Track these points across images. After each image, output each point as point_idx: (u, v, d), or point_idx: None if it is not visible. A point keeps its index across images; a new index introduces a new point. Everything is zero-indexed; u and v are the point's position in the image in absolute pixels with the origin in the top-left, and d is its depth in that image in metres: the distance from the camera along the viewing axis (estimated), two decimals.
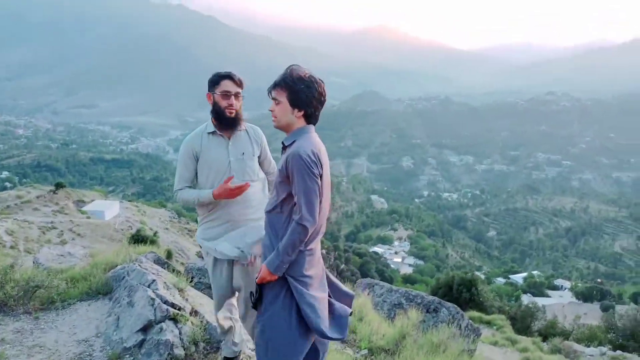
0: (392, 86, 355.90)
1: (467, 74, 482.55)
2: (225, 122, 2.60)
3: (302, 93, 2.16)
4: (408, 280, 43.99)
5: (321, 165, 2.12)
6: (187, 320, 2.81)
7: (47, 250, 8.30)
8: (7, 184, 71.91)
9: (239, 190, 2.48)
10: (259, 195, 2.69)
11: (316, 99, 2.22)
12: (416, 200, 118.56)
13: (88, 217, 33.04)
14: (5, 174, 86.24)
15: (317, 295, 2.18)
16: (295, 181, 2.07)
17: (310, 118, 2.24)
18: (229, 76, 2.60)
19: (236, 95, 2.60)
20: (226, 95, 2.58)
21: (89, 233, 28.94)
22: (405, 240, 75.54)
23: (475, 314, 12.65)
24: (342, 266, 46.48)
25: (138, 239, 18.17)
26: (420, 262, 63.68)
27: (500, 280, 50.12)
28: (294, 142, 2.16)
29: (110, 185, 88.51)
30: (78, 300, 3.28)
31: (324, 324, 2.13)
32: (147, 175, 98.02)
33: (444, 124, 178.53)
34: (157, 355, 2.53)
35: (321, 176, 2.13)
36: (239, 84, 2.63)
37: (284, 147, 2.23)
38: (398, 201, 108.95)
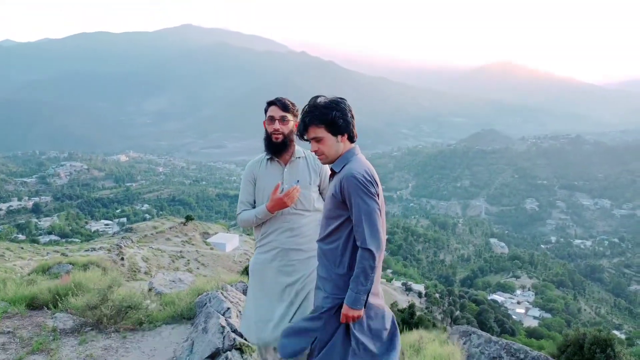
0: (513, 125, 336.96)
1: (601, 110, 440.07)
2: (272, 147, 2.60)
3: (338, 119, 2.12)
4: (532, 334, 39.75)
5: (377, 184, 2.07)
6: (254, 351, 2.76)
7: (162, 276, 8.93)
8: (147, 216, 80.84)
9: (290, 196, 2.42)
10: (313, 226, 2.56)
11: (350, 117, 2.17)
12: (542, 246, 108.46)
13: (211, 248, 35.54)
14: (146, 206, 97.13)
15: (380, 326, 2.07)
16: (353, 204, 1.99)
17: (353, 138, 2.20)
18: (273, 102, 2.63)
19: (281, 119, 2.58)
20: (271, 120, 2.59)
21: (211, 263, 31.03)
22: (529, 290, 68.97)
23: None
24: (457, 313, 43.85)
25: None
26: (547, 315, 57.45)
27: None
28: (344, 166, 2.11)
29: (233, 220, 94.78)
30: (164, 323, 3.43)
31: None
32: None
33: (575, 164, 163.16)
34: None
35: (378, 195, 2.07)
36: (285, 108, 2.60)
37: (333, 174, 2.18)
38: (520, 246, 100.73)
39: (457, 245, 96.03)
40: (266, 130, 2.61)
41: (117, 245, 27.38)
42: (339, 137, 2.13)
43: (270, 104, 2.63)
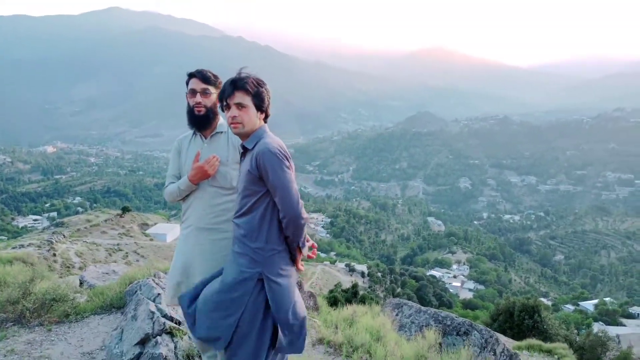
0: (447, 107, 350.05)
1: (526, 92, 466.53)
2: (194, 121, 2.50)
3: (265, 95, 2.20)
4: (468, 305, 42.15)
5: (289, 157, 2.12)
6: (185, 334, 2.76)
7: (94, 269, 8.61)
8: (79, 209, 76.82)
9: (211, 164, 2.39)
10: (231, 206, 2.43)
11: (268, 98, 2.23)
12: (475, 222, 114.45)
13: (151, 239, 34.47)
14: (77, 199, 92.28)
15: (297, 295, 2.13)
16: (273, 177, 2.02)
17: (267, 116, 2.26)
18: (194, 74, 2.52)
19: (203, 92, 2.48)
20: (192, 93, 2.49)
21: (152, 255, 30.09)
22: (464, 264, 72.79)
23: (534, 341, 11.81)
24: (399, 290, 45.52)
25: None
26: (481, 287, 60.99)
27: (569, 307, 46.85)
28: (256, 143, 2.13)
29: (173, 210, 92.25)
30: (92, 313, 3.34)
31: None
32: None
33: (504, 143, 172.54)
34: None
35: (291, 169, 2.12)
36: (206, 80, 2.50)
37: (245, 152, 2.19)
38: (456, 223, 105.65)
39: (397, 225, 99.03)
40: (188, 103, 2.51)
41: (48, 240, 25.92)
42: (259, 113, 2.19)
43: (190, 76, 2.53)
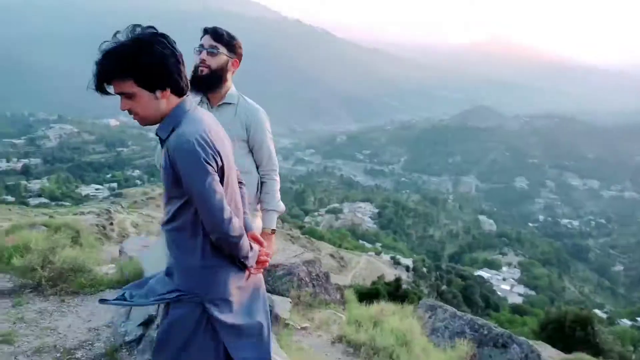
0: (506, 103, 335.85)
1: (598, 93, 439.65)
2: (195, 81, 2.18)
3: (149, 67, 1.45)
4: (516, 310, 40.52)
5: (216, 152, 1.53)
6: None
7: (134, 240, 8.79)
8: (138, 182, 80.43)
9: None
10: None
11: (172, 62, 1.50)
12: (530, 224, 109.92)
13: None
14: (137, 172, 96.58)
15: (243, 322, 1.64)
16: (184, 183, 1.49)
17: (180, 89, 1.56)
18: (207, 30, 2.24)
19: (210, 50, 2.19)
20: (199, 50, 2.22)
21: None
22: (515, 267, 70.27)
23: (585, 356, 11.07)
24: (443, 287, 44.56)
25: None
26: (532, 293, 58.70)
27: (626, 322, 44.13)
28: (172, 130, 1.52)
29: None
30: (109, 287, 3.27)
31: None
32: None
33: (566, 144, 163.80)
34: (150, 353, 2.35)
35: (221, 167, 1.56)
36: (217, 38, 2.20)
37: (162, 141, 1.57)
38: (509, 224, 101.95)
39: (447, 221, 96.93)
40: (194, 62, 2.23)
41: (107, 210, 27.19)
42: (158, 92, 1.50)
43: (204, 32, 2.25)
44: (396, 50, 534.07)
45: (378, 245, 66.91)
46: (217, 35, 2.22)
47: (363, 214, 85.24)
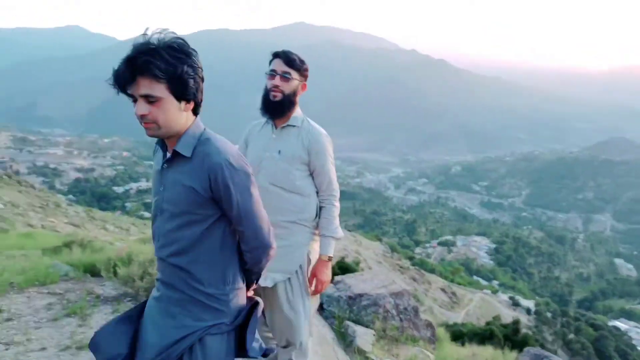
0: None
1: None
2: (267, 106, 2.22)
3: (189, 77, 1.39)
4: None
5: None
6: None
7: None
8: None
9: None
10: (290, 207, 2.17)
11: (203, 78, 1.48)
12: None
13: None
14: None
15: None
16: (239, 202, 1.44)
17: (198, 107, 1.51)
18: (278, 54, 2.23)
19: (283, 75, 2.18)
20: (272, 75, 2.21)
21: None
22: None
23: None
24: (571, 336, 40.13)
25: (341, 266, 18.97)
26: None
27: None
28: (195, 148, 1.45)
29: None
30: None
31: None
32: (368, 209, 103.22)
33: None
34: None
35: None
36: (290, 63, 2.19)
37: (174, 156, 1.46)
38: None
39: (576, 262, 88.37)
40: (266, 86, 2.23)
41: None
42: (184, 104, 1.42)
43: (274, 56, 2.23)
44: (519, 79, 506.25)
45: (494, 283, 62.70)
46: (289, 60, 2.21)
47: (478, 248, 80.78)
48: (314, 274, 2.25)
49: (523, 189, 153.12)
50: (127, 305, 3.28)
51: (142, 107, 1.35)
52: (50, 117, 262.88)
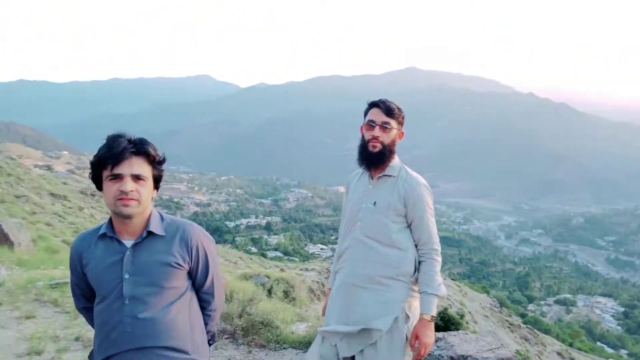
0: None
1: None
2: (366, 157, 2.17)
3: (162, 170, 1.62)
4: None
5: None
6: None
7: None
8: None
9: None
10: (387, 262, 2.08)
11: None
12: None
13: None
14: None
15: None
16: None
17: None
18: (376, 104, 2.18)
19: (382, 125, 2.13)
20: (370, 126, 2.15)
21: None
22: None
23: None
24: None
25: (443, 317, 17.88)
26: None
27: None
28: (177, 230, 1.62)
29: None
30: (291, 346, 3.35)
31: None
32: (475, 258, 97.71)
33: None
34: None
35: None
36: (389, 113, 2.14)
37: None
38: None
39: None
40: (363, 136, 2.20)
41: (327, 269, 29.38)
42: (154, 191, 1.60)
43: (371, 105, 2.21)
44: None
45: (623, 352, 54.80)
46: (389, 110, 2.15)
47: (603, 310, 71.77)
48: (415, 336, 2.06)
49: None
50: (224, 343, 3.34)
51: (129, 184, 1.46)
52: (178, 155, 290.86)
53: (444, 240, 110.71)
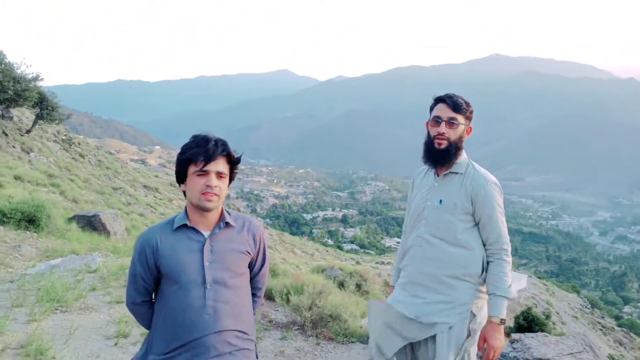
0: None
1: None
2: (432, 154, 2.10)
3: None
4: None
5: None
6: None
7: None
8: None
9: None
10: (453, 261, 2.02)
11: None
12: None
13: None
14: None
15: None
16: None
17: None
18: (442, 99, 2.10)
19: (449, 121, 2.05)
20: (436, 122, 2.08)
21: None
22: None
23: None
24: None
25: (527, 317, 16.94)
26: None
27: None
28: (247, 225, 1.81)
29: (523, 258, 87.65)
30: (359, 340, 3.39)
31: None
32: (564, 255, 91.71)
33: None
34: None
35: None
36: (456, 108, 2.05)
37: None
38: None
39: None
40: (428, 133, 2.13)
41: None
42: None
43: (438, 100, 2.12)
44: None
45: None
46: (456, 105, 2.07)
47: None
48: (483, 338, 2.00)
49: None
50: (294, 333, 3.45)
51: (214, 180, 1.64)
52: (259, 148, 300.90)
53: (529, 236, 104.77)
